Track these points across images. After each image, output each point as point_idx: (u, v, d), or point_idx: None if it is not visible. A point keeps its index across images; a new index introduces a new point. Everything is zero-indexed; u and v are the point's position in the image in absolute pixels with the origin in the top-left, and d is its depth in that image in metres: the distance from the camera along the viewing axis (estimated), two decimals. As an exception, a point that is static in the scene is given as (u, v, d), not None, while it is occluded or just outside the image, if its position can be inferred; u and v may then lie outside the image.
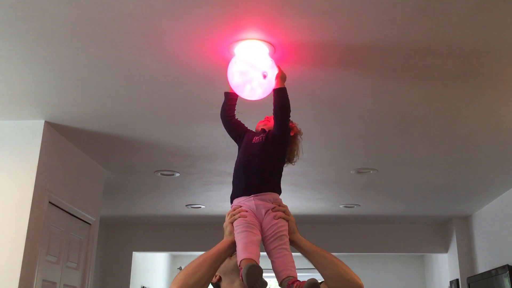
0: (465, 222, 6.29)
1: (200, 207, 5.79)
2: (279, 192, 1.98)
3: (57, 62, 2.68)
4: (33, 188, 3.30)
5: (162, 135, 3.69)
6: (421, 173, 4.48)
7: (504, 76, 2.81)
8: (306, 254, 1.86)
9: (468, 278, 5.96)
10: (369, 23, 2.32)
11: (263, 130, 2.07)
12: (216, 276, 2.00)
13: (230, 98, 2.29)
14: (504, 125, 3.44)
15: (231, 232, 1.86)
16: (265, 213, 1.87)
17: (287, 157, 2.09)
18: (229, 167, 4.56)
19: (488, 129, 3.51)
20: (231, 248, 1.85)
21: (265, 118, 2.16)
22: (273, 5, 2.19)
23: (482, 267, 5.77)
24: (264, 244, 1.87)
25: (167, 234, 6.87)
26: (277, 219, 1.86)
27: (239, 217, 1.86)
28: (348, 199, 5.47)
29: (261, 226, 1.86)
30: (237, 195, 1.97)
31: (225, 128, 2.24)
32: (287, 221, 1.89)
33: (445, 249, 6.65)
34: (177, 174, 4.58)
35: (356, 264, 8.01)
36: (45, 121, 3.42)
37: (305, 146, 4.09)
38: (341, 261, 1.80)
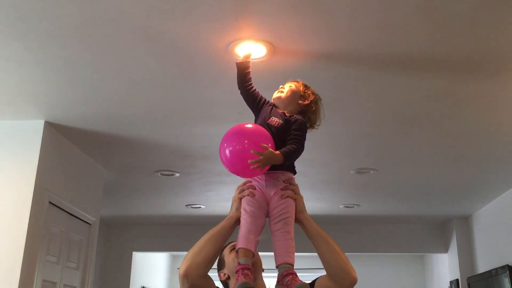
0: (465, 222, 6.29)
1: (200, 207, 5.79)
2: (293, 172, 1.96)
3: (57, 62, 2.68)
4: (33, 188, 3.30)
5: (162, 135, 3.69)
6: (421, 173, 4.48)
7: (504, 77, 2.81)
8: (310, 236, 1.89)
9: (468, 278, 5.96)
10: (369, 24, 2.32)
11: (283, 115, 1.98)
12: (225, 274, 2.01)
13: (246, 67, 2.18)
14: (504, 125, 3.44)
15: (238, 208, 1.87)
16: (274, 193, 1.86)
17: (308, 124, 2.04)
18: (229, 167, 4.56)
19: (488, 129, 3.51)
20: (237, 225, 1.87)
21: (279, 89, 2.08)
22: (273, 5, 2.19)
23: (482, 267, 5.77)
24: (269, 223, 1.87)
25: (167, 234, 6.87)
26: (284, 198, 1.85)
27: (248, 194, 1.86)
28: (348, 199, 5.47)
29: (268, 205, 1.86)
30: None
31: (244, 97, 2.16)
32: (295, 200, 1.88)
33: (445, 249, 6.65)
34: (177, 174, 4.58)
35: (356, 264, 8.02)
36: (45, 121, 3.42)
37: (305, 146, 4.10)
38: (342, 252, 1.87)
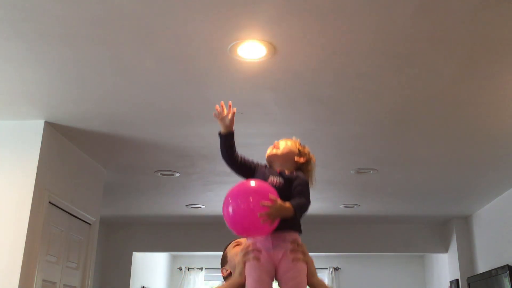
0: (465, 222, 6.29)
1: (200, 207, 5.79)
2: (299, 231, 1.81)
3: (57, 62, 2.68)
4: (33, 188, 3.30)
5: (162, 135, 3.69)
6: (421, 173, 4.48)
7: (504, 76, 2.81)
8: None
9: (468, 278, 5.96)
10: (369, 24, 2.32)
11: (281, 174, 1.87)
12: (227, 270, 2.01)
13: (229, 139, 1.98)
14: (504, 126, 3.44)
15: (241, 273, 1.73)
16: (282, 255, 1.72)
17: None
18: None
19: (488, 130, 3.51)
20: None
21: (274, 145, 1.97)
22: (274, 6, 2.19)
23: (482, 267, 5.77)
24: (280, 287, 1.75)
25: (167, 234, 6.87)
26: (296, 262, 1.71)
27: (253, 259, 1.72)
28: (348, 199, 5.47)
29: (276, 268, 1.73)
30: None
31: (235, 168, 1.96)
32: (306, 262, 1.75)
33: (445, 249, 6.65)
34: (177, 174, 4.58)
35: (356, 264, 8.08)
36: (45, 121, 3.42)
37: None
38: None
